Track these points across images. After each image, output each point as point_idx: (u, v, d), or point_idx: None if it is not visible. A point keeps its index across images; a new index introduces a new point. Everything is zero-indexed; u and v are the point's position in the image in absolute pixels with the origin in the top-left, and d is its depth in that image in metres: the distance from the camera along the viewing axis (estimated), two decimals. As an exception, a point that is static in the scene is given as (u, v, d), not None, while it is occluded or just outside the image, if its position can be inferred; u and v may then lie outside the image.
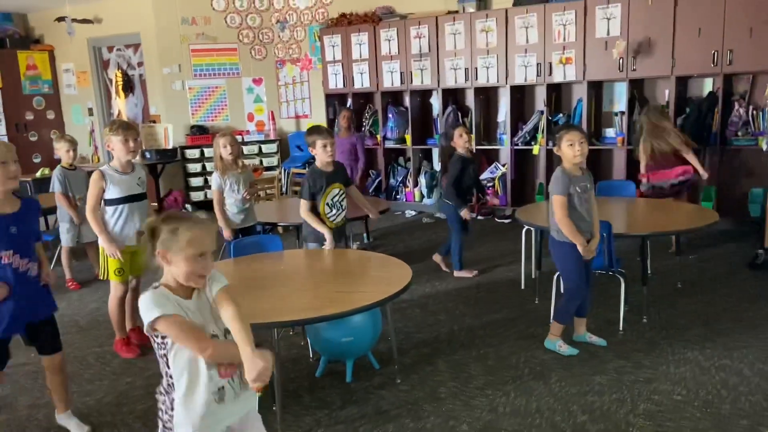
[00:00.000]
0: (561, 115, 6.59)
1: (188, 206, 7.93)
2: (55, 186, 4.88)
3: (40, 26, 8.96)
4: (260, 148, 8.17)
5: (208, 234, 1.83)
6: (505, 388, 3.06)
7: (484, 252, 5.44)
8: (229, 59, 8.31)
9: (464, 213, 4.62)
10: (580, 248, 3.17)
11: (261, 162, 8.11)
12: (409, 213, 7.33)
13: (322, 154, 3.65)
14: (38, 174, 6.97)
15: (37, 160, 8.61)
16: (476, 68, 6.69)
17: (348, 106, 7.57)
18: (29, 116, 8.73)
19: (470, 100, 6.99)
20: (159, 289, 1.80)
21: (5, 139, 8.41)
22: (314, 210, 3.66)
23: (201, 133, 8.07)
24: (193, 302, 1.83)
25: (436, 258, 5.06)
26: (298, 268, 3.46)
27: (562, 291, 3.60)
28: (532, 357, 3.38)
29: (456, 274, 4.83)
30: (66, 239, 5.00)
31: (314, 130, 3.76)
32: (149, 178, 3.87)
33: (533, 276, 4.48)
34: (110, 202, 3.51)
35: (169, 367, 1.82)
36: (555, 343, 3.42)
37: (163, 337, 1.79)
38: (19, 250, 2.55)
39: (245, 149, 7.98)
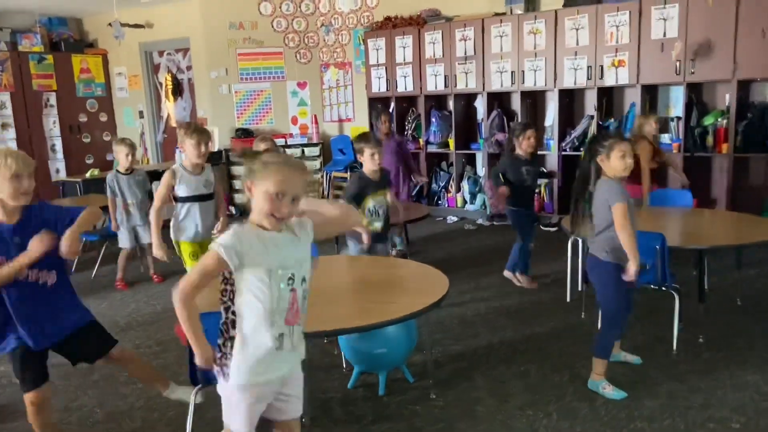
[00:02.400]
0: (612, 120, 6.33)
1: (232, 208, 7.99)
2: (107, 191, 4.97)
3: (95, 30, 9.22)
4: (303, 151, 8.16)
5: (296, 177, 1.77)
6: (547, 409, 2.89)
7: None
8: (274, 63, 8.35)
9: (502, 191, 4.39)
10: (633, 265, 2.80)
11: (304, 165, 8.09)
12: (451, 219, 7.18)
13: (369, 163, 3.69)
14: (88, 175, 7.12)
15: (89, 161, 8.84)
16: (523, 71, 6.49)
17: (390, 110, 7.48)
18: (83, 118, 8.98)
19: (516, 104, 6.79)
20: (245, 226, 1.79)
21: (59, 140, 8.68)
22: None
23: (246, 136, 8.13)
24: (281, 236, 1.81)
25: (507, 274, 4.76)
26: (333, 275, 3.37)
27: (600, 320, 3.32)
28: (576, 376, 3.19)
29: (519, 278, 4.64)
30: (123, 241, 5.07)
31: (363, 137, 3.81)
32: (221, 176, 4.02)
33: (579, 289, 4.27)
34: (179, 200, 3.72)
35: (233, 303, 1.82)
36: (599, 384, 3.02)
37: (230, 273, 1.79)
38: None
39: (288, 152, 8.00)
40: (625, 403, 2.90)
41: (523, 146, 4.43)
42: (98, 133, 9.14)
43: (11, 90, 8.17)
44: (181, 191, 3.71)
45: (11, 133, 8.19)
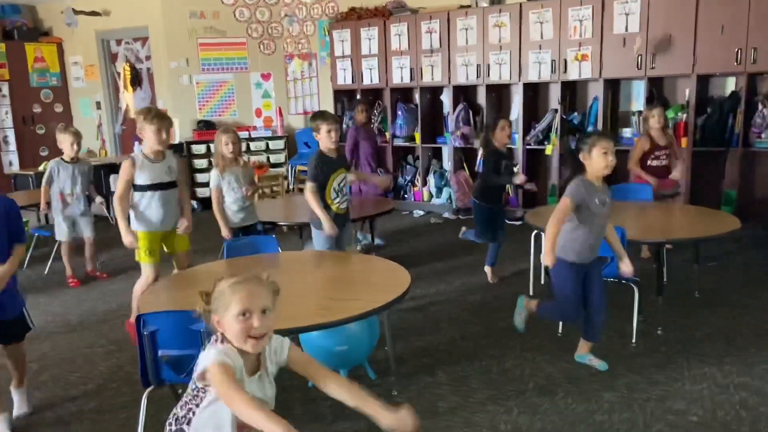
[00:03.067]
0: (576, 113, 6.37)
1: (194, 203, 7.81)
2: (44, 177, 4.81)
3: (50, 18, 8.89)
4: (267, 145, 8.04)
5: (252, 291, 1.68)
6: (508, 404, 2.88)
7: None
8: (237, 54, 8.18)
9: (520, 179, 4.40)
10: (547, 259, 2.92)
11: (268, 159, 7.97)
12: (417, 213, 7.15)
13: (326, 140, 3.60)
14: (41, 167, 6.87)
15: (44, 153, 8.54)
16: (488, 65, 6.48)
17: (370, 102, 7.42)
18: (37, 109, 8.67)
19: (482, 97, 6.78)
20: (222, 345, 1.68)
21: (12, 132, 8.37)
22: (319, 196, 3.62)
23: (208, 129, 7.95)
24: (255, 381, 1.74)
25: (487, 269, 4.67)
26: (293, 272, 3.29)
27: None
28: (537, 370, 3.19)
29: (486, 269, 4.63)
30: (59, 233, 4.89)
31: (319, 115, 3.76)
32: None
33: (542, 282, 4.28)
34: (139, 188, 3.59)
35: (193, 414, 1.72)
36: (587, 357, 3.22)
37: (204, 387, 1.69)
38: None
39: (252, 145, 7.86)
40: (585, 396, 2.91)
41: (498, 138, 4.35)
42: (53, 124, 8.75)
43: (-40, 79, 7.84)
44: (141, 179, 3.57)
45: (-40, 123, 7.86)
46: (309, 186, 3.63)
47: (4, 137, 8.37)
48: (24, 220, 6.16)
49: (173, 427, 1.76)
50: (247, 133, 7.83)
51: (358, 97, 7.43)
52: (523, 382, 3.08)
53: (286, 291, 2.89)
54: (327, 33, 7.66)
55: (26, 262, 5.41)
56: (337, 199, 3.69)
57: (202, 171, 7.88)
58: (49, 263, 5.36)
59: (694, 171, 5.65)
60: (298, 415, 2.86)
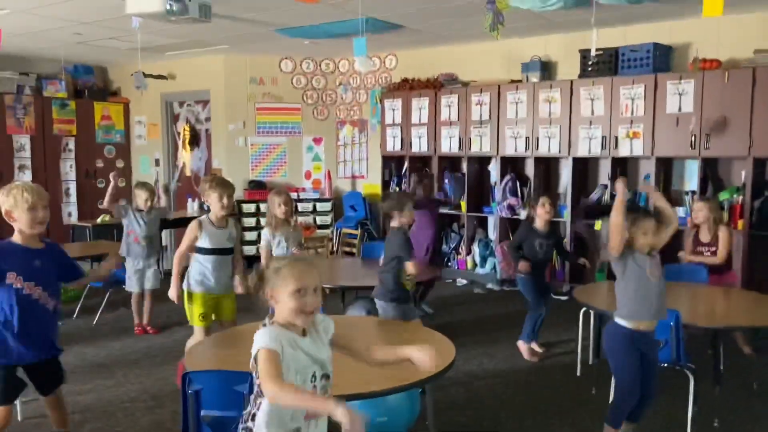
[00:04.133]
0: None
1: (240, 260, 7.94)
2: (116, 212, 5.17)
3: (119, 79, 9.45)
4: (315, 206, 8.18)
5: (307, 270, 1.87)
6: (555, 492, 2.73)
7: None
8: (291, 118, 8.48)
9: (522, 266, 4.40)
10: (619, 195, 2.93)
11: (314, 220, 8.10)
12: (461, 282, 7.08)
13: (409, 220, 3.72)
14: (99, 220, 7.15)
15: (102, 207, 8.88)
16: (537, 138, 6.53)
17: (403, 169, 7.54)
18: (99, 164, 9.08)
19: (530, 169, 6.80)
20: (271, 326, 1.87)
21: (74, 184, 8.77)
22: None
23: (258, 188, 8.17)
24: (308, 341, 1.90)
25: (520, 344, 4.57)
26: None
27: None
28: (586, 456, 3.04)
29: (519, 343, 4.53)
30: (131, 285, 5.11)
31: (404, 196, 4.02)
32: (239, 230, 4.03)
33: (590, 363, 4.13)
34: (201, 251, 3.73)
35: (258, 410, 1.88)
36: None
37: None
38: (41, 283, 2.70)
39: (300, 206, 8.01)
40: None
41: (539, 214, 4.43)
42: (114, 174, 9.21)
43: (32, 133, 8.32)
44: (203, 243, 3.71)
45: (28, 175, 8.28)
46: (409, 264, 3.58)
47: (66, 189, 8.76)
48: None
49: (240, 425, 1.92)
50: (296, 194, 8.01)
51: (407, 164, 7.56)
52: (571, 468, 2.94)
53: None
54: (379, 101, 7.89)
55: (76, 312, 5.55)
56: (408, 278, 3.64)
57: (250, 229, 8.04)
58: (97, 314, 5.48)
59: (751, 254, 5.46)
60: None
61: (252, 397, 1.93)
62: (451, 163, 7.46)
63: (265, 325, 1.89)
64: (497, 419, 3.48)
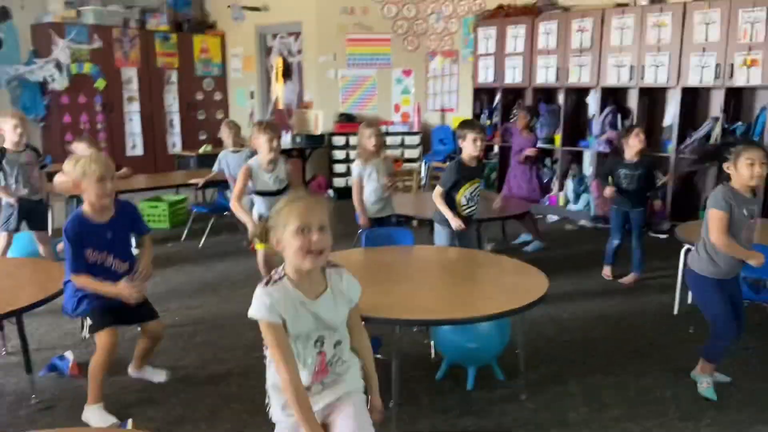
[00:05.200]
0: (740, 123, 5.84)
1: (330, 191, 8.15)
2: (215, 166, 5.41)
3: (215, 12, 9.66)
4: (403, 140, 8.17)
5: (309, 207, 1.73)
6: (646, 424, 2.72)
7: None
8: (381, 49, 8.39)
9: (606, 192, 4.52)
10: (753, 261, 2.73)
11: (402, 154, 8.11)
12: (552, 218, 6.93)
13: (470, 148, 3.66)
14: (201, 150, 7.52)
15: (203, 137, 9.31)
16: (643, 66, 6.11)
17: (495, 101, 7.32)
18: (199, 96, 9.45)
19: (633, 101, 6.42)
20: (282, 282, 1.76)
21: (177, 116, 9.20)
22: (449, 199, 3.68)
23: (348, 121, 8.24)
24: (318, 301, 1.78)
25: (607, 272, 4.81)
26: (427, 265, 3.35)
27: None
28: (681, 393, 2.99)
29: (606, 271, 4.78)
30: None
31: (467, 123, 3.84)
32: (296, 163, 4.19)
33: (689, 302, 3.98)
34: (250, 192, 4.00)
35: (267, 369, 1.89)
36: (700, 378, 2.98)
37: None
38: (114, 251, 2.80)
39: (388, 140, 8.03)
40: (734, 428, 2.68)
41: (630, 144, 4.47)
42: (212, 111, 9.60)
43: (137, 66, 8.74)
44: (255, 186, 3.97)
45: (136, 106, 8.78)
46: (438, 190, 3.71)
47: (170, 120, 9.22)
48: (183, 196, 6.76)
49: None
50: (384, 127, 8.00)
51: (499, 95, 7.34)
52: (664, 404, 2.90)
53: (421, 282, 2.97)
54: (472, 30, 7.63)
55: (183, 235, 5.95)
56: (466, 208, 3.71)
57: (340, 162, 8.19)
58: (203, 237, 5.85)
59: None
60: (425, 404, 2.90)
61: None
62: (546, 94, 7.17)
63: (269, 281, 1.75)
64: (587, 353, 3.46)
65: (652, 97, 6.43)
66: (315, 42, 8.38)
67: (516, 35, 7.03)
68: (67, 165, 2.81)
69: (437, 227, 3.80)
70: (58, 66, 7.87)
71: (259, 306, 1.73)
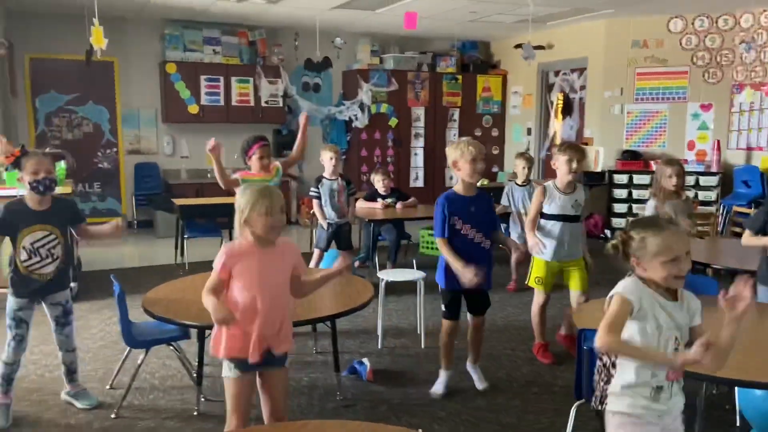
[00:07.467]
0: None
1: (607, 231, 7.74)
2: (503, 199, 5.54)
3: (499, 52, 10.03)
4: (697, 180, 7.39)
5: (676, 238, 1.84)
6: None
7: None
8: (676, 82, 7.76)
9: None
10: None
11: (696, 195, 7.33)
12: None
13: None
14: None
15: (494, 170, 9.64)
16: None
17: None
18: (477, 132, 9.86)
19: None
20: (639, 279, 1.87)
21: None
22: None
23: (633, 159, 7.77)
24: (677, 305, 1.87)
25: None
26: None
27: None
28: None
29: None
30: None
31: None
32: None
33: None
34: (546, 217, 3.73)
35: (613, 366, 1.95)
36: None
37: None
38: (476, 225, 3.14)
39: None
40: None
41: None
42: (488, 146, 9.91)
43: (426, 105, 9.50)
44: (549, 209, 3.71)
45: (420, 142, 9.54)
46: (747, 234, 3.27)
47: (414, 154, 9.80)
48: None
49: (603, 364, 2.01)
50: (677, 166, 7.36)
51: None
52: None
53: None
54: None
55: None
56: None
57: (620, 201, 7.75)
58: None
59: None
60: None
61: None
62: None
63: (630, 274, 1.90)
64: None
65: None
66: (601, 77, 8.12)
67: None
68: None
69: (762, 288, 3.24)
70: (361, 107, 8.99)
71: (627, 285, 1.87)
